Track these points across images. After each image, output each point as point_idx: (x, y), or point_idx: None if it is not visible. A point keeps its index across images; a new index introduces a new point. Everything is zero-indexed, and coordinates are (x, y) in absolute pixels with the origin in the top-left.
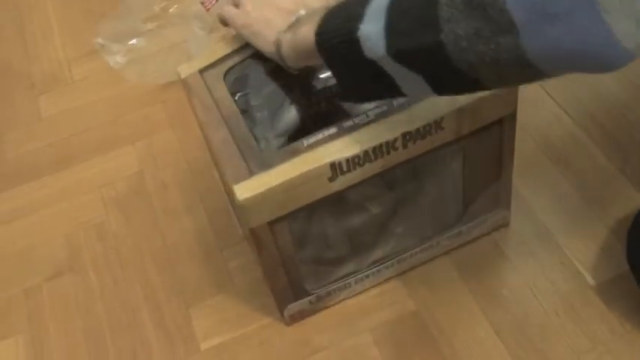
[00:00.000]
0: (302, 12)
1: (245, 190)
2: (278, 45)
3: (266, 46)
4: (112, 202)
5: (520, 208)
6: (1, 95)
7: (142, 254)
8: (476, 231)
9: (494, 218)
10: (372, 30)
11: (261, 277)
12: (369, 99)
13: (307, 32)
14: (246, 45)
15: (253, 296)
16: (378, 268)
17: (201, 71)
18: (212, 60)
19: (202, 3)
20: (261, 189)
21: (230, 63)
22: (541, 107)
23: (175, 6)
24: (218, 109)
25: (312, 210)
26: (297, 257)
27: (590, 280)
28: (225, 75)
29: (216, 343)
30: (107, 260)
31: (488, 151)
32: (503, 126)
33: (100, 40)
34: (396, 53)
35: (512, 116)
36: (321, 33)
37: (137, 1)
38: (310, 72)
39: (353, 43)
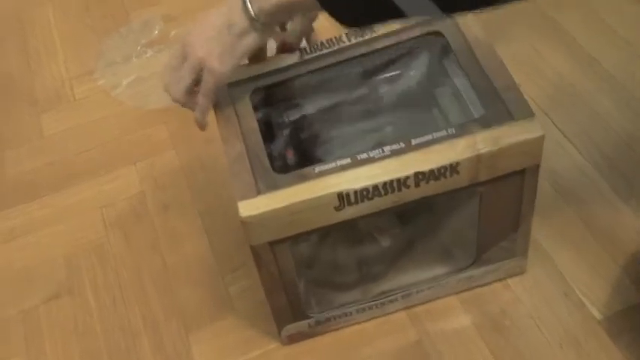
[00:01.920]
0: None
1: (249, 207)
2: (252, 22)
3: (250, 39)
4: (113, 223)
5: None
6: (4, 111)
7: (141, 277)
8: (488, 276)
9: (509, 265)
10: None
11: (263, 301)
12: (360, 20)
13: None
14: (278, 67)
15: (254, 322)
16: (382, 300)
17: (230, 86)
18: (243, 77)
19: None
20: (265, 209)
21: (261, 82)
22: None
23: (174, 31)
24: (239, 124)
25: (323, 234)
26: (302, 277)
27: (596, 313)
28: (252, 92)
29: None
30: (106, 282)
31: (507, 199)
32: (524, 177)
33: (99, 67)
34: None
35: (536, 168)
36: None
37: (138, 22)
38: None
39: None
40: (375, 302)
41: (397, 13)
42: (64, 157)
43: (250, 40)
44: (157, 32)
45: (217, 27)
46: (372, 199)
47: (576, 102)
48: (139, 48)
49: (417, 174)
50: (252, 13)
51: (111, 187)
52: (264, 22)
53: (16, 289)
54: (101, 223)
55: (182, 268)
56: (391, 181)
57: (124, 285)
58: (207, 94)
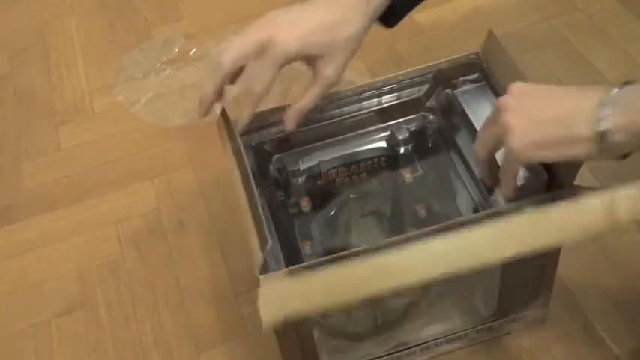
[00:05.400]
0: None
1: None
2: (600, 137)
3: (579, 149)
4: (127, 238)
5: None
6: (23, 123)
7: (155, 294)
8: (509, 327)
9: (530, 316)
10: None
11: None
12: None
13: None
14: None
15: (266, 345)
16: (398, 354)
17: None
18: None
19: None
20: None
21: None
22: None
23: (194, 49)
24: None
25: None
26: (316, 328)
27: (615, 349)
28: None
29: None
30: (119, 298)
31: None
32: None
33: (119, 82)
34: None
35: None
36: None
37: (160, 39)
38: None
39: None
40: (391, 355)
41: None
42: (81, 170)
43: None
44: (177, 50)
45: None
46: None
47: None
48: (158, 65)
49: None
50: None
51: (127, 202)
52: None
53: (28, 302)
54: (116, 239)
55: (196, 287)
56: None
57: (137, 302)
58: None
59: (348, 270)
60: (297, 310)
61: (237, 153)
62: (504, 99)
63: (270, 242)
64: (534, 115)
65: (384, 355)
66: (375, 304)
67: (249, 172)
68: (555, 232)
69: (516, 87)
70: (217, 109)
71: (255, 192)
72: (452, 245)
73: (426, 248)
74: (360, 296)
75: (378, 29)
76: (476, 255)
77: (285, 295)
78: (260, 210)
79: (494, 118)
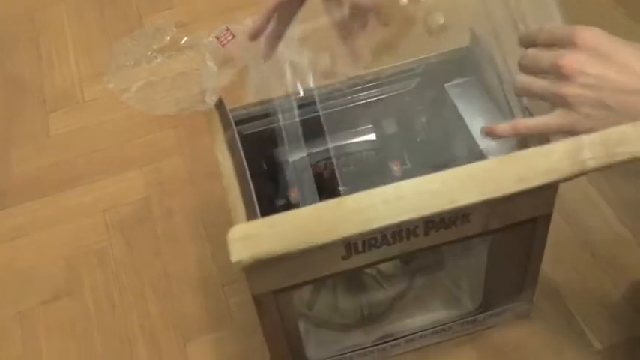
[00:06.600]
0: None
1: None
2: None
3: None
4: (116, 226)
5: None
6: (13, 110)
7: (142, 283)
8: (493, 320)
9: (514, 310)
10: None
11: None
12: None
13: None
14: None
15: (252, 335)
16: (383, 345)
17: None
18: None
19: (217, 38)
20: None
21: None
22: None
23: (186, 38)
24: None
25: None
26: (302, 318)
27: (597, 344)
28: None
29: None
30: (106, 286)
31: (516, 247)
32: (536, 225)
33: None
34: None
35: (547, 217)
36: None
37: (151, 27)
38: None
39: None
40: (377, 347)
41: None
42: (70, 157)
43: None
44: (168, 38)
45: None
46: (379, 247)
47: None
48: (149, 53)
49: (427, 222)
50: None
51: (115, 190)
52: None
53: (15, 289)
54: (104, 227)
55: (183, 277)
56: (400, 230)
57: (124, 290)
58: None
59: (316, 212)
60: (266, 249)
61: (231, 142)
62: (566, 59)
63: None
64: (603, 97)
65: (370, 347)
66: (361, 294)
67: (245, 161)
68: (521, 174)
69: (583, 41)
70: (208, 98)
71: (251, 184)
72: (419, 188)
73: (391, 192)
74: (329, 237)
75: None
76: (444, 198)
77: (254, 235)
78: (255, 204)
79: (557, 82)
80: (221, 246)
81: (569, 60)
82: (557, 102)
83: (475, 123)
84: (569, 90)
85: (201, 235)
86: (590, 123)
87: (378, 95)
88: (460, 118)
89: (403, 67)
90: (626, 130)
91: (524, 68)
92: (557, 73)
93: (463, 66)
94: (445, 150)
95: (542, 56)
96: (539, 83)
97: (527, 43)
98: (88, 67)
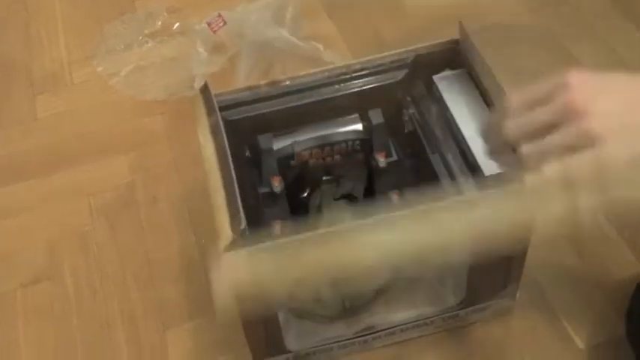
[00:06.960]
0: None
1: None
2: None
3: None
4: (99, 211)
5: None
6: (0, 90)
7: (123, 268)
8: (475, 316)
9: (497, 306)
10: None
11: None
12: None
13: None
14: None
15: (232, 324)
16: (365, 338)
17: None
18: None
19: (209, 24)
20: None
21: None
22: None
23: (178, 23)
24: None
25: None
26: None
27: (580, 343)
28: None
29: None
30: (87, 271)
31: None
32: None
33: (100, 53)
34: None
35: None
36: None
37: (143, 12)
38: None
39: None
40: (358, 339)
41: None
42: (56, 140)
43: None
44: (160, 23)
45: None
46: None
47: None
48: (140, 38)
49: None
50: None
51: (100, 174)
52: None
53: None
54: (87, 211)
55: (165, 263)
56: None
57: (105, 275)
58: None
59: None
60: (249, 293)
61: (215, 128)
62: (572, 97)
63: (244, 224)
64: (627, 120)
65: (351, 339)
66: (342, 288)
67: (227, 147)
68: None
69: (576, 79)
70: (198, 84)
71: (232, 168)
72: (410, 226)
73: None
74: (317, 278)
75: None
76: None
77: (239, 276)
78: (236, 187)
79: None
80: (205, 234)
81: (577, 92)
82: (581, 143)
83: (462, 115)
84: (592, 122)
85: (185, 222)
86: (625, 150)
87: (366, 85)
88: (447, 110)
89: (392, 57)
90: None
91: (518, 138)
92: (568, 111)
93: (452, 59)
94: (431, 142)
95: (539, 112)
96: (549, 141)
97: (498, 128)
98: (78, 50)
